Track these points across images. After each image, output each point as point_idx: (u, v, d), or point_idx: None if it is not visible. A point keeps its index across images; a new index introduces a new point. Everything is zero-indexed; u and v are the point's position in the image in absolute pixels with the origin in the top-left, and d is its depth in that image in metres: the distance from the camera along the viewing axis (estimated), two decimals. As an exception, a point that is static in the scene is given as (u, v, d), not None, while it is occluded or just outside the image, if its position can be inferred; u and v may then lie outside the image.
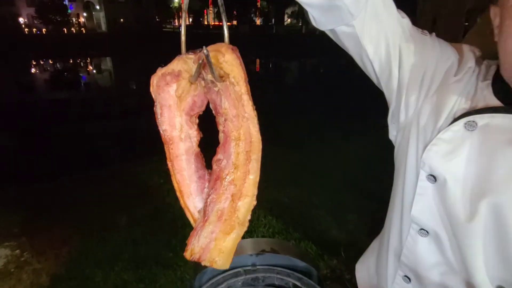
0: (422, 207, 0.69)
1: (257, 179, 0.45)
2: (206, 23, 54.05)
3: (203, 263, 0.53)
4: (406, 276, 0.78)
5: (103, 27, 43.17)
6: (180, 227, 3.16)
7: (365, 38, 0.67)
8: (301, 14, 47.92)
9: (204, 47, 0.45)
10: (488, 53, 0.73)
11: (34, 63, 26.33)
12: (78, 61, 27.84)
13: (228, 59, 0.42)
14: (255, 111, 0.46)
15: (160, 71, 0.48)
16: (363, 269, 1.00)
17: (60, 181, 4.91)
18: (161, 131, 0.49)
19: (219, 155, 0.47)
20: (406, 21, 0.69)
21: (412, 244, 0.73)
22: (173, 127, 0.48)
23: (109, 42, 33.48)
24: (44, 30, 37.64)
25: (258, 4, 48.70)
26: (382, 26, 0.66)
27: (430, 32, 0.72)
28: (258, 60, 28.67)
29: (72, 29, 40.14)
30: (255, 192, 0.44)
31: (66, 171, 5.47)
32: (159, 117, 0.47)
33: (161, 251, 2.80)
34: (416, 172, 0.70)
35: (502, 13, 0.55)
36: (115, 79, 20.80)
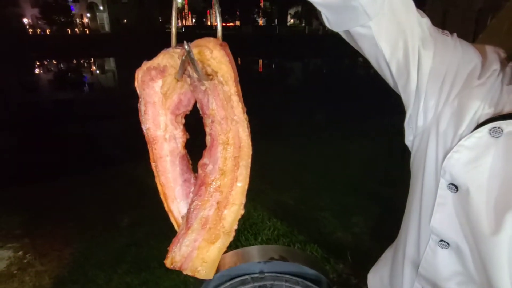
0: (442, 217, 0.65)
1: (246, 187, 0.42)
2: (209, 23, 54.10)
3: (184, 272, 0.50)
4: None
5: (107, 27, 43.31)
6: (183, 229, 3.13)
7: (381, 40, 0.62)
8: (304, 14, 47.89)
9: (185, 42, 0.41)
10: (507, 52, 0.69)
11: (38, 63, 26.44)
12: (81, 61, 27.94)
13: (216, 56, 0.39)
14: (245, 114, 0.42)
15: (145, 65, 0.45)
16: (376, 280, 0.96)
17: (62, 181, 4.90)
18: (144, 130, 0.45)
19: (205, 159, 0.44)
20: (425, 20, 0.64)
21: (432, 256, 0.70)
22: (157, 126, 0.44)
23: (112, 42, 33.58)
24: (48, 30, 37.81)
25: (261, 4, 48.68)
26: (400, 27, 0.62)
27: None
28: (261, 61, 28.65)
29: (75, 29, 40.28)
30: (243, 200, 0.41)
31: (68, 172, 5.46)
32: (142, 114, 0.44)
33: (164, 253, 2.75)
34: (436, 180, 0.66)
35: None
36: (118, 79, 20.84)
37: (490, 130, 0.57)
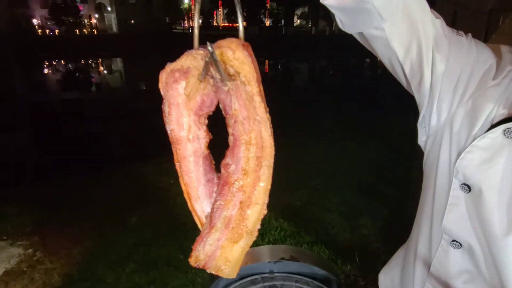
0: (455, 218, 0.65)
1: (269, 187, 0.42)
2: (215, 24, 54.24)
3: (208, 271, 0.50)
4: None
5: (114, 28, 43.68)
6: (191, 228, 3.14)
7: (395, 41, 0.62)
8: (310, 15, 47.79)
9: (208, 43, 0.42)
10: None
11: (47, 63, 26.75)
12: (89, 61, 28.21)
13: (238, 57, 0.39)
14: (268, 114, 0.43)
15: (169, 67, 0.45)
16: (387, 280, 0.95)
17: (71, 180, 4.95)
18: (168, 131, 0.46)
19: (227, 159, 0.44)
20: (439, 21, 0.64)
21: (443, 256, 0.70)
22: (181, 127, 0.45)
23: (120, 43, 33.83)
24: (57, 31, 38.23)
25: (268, 5, 48.68)
26: (414, 28, 0.62)
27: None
28: (267, 61, 28.65)
29: (84, 30, 40.68)
30: (266, 200, 0.41)
31: (77, 171, 5.51)
32: (166, 115, 0.44)
33: (172, 253, 2.78)
34: (449, 181, 0.66)
35: None
36: (125, 79, 21.01)
37: (505, 130, 0.57)
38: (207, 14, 51.17)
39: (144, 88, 17.36)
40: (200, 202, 0.47)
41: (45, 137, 8.39)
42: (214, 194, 0.47)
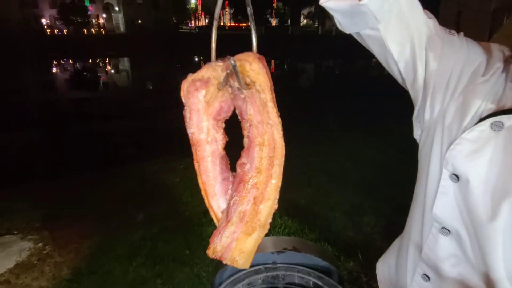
0: (444, 206, 0.69)
1: (279, 184, 0.46)
2: (222, 24, 54.36)
3: (224, 262, 0.55)
4: (425, 274, 0.78)
5: (122, 28, 44.01)
6: (196, 224, 3.20)
7: (390, 40, 0.66)
8: (317, 15, 47.64)
9: (230, 57, 0.46)
10: None
11: (55, 63, 27.07)
12: (97, 61, 28.48)
13: (255, 68, 0.43)
14: (279, 118, 0.47)
15: (191, 77, 0.50)
16: (384, 268, 0.99)
17: (79, 178, 5.04)
18: (189, 134, 0.50)
19: (243, 159, 0.48)
20: (432, 21, 0.68)
21: (434, 242, 0.74)
22: (201, 130, 0.49)
23: (127, 42, 34.08)
24: (65, 31, 38.65)
25: (274, 5, 48.67)
26: (408, 28, 0.66)
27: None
28: (273, 61, 28.67)
29: (92, 30, 41.06)
30: (277, 196, 0.45)
31: (86, 168, 5.61)
32: (187, 120, 0.49)
33: (178, 248, 2.84)
34: (440, 171, 0.69)
35: None
36: (132, 79, 21.18)
37: (492, 124, 0.61)
38: (213, 14, 51.26)
39: (151, 88, 17.51)
40: (216, 199, 0.51)
41: (53, 136, 8.52)
42: (229, 191, 0.51)
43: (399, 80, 0.76)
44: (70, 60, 28.08)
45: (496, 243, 0.62)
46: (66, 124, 9.51)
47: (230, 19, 54.43)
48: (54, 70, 24.61)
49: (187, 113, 0.48)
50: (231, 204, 0.48)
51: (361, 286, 2.24)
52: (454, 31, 0.70)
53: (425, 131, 0.75)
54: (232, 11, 51.14)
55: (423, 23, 0.67)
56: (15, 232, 3.25)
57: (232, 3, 48.33)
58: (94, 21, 42.49)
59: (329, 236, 2.86)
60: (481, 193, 0.62)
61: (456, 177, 0.66)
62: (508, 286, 0.63)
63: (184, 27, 52.91)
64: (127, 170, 5.31)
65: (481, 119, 0.63)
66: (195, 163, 0.49)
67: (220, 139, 0.49)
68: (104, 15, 43.87)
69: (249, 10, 0.49)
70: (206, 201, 0.49)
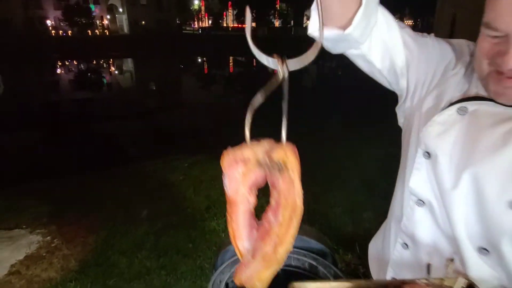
0: (418, 180, 0.79)
1: (296, 233, 0.56)
2: (225, 25, 54.57)
3: (246, 286, 0.65)
4: (405, 243, 0.88)
5: (126, 29, 44.31)
6: (199, 220, 3.28)
7: (372, 55, 0.78)
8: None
9: (265, 142, 0.56)
10: None
11: (60, 64, 27.31)
12: (101, 62, 28.70)
13: (289, 156, 0.54)
14: (301, 188, 0.57)
15: (232, 155, 0.60)
16: (373, 247, 1.09)
17: (84, 177, 5.13)
18: (227, 194, 0.60)
19: (270, 215, 0.58)
20: (406, 30, 0.80)
21: (411, 213, 0.83)
22: (237, 194, 0.60)
23: (131, 43, 34.32)
24: (69, 32, 38.96)
25: (277, 6, 48.81)
26: (386, 43, 0.78)
27: (450, 34, 0.82)
28: (276, 62, 28.68)
29: (96, 31, 41.37)
30: (293, 241, 0.56)
31: (91, 167, 5.70)
32: (227, 185, 0.59)
33: (181, 242, 2.92)
34: (416, 151, 0.80)
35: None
36: (136, 79, 21.34)
37: (458, 109, 0.72)
38: (216, 15, 51.54)
39: (154, 88, 17.65)
40: (242, 241, 0.61)
41: (58, 136, 8.65)
42: (254, 235, 0.61)
43: (386, 85, 0.88)
44: (74, 61, 28.31)
45: (458, 208, 0.72)
46: (71, 124, 9.65)
47: (233, 20, 54.60)
48: (58, 71, 24.82)
49: (226, 181, 0.59)
50: (256, 248, 0.58)
51: (358, 277, 2.31)
52: (426, 34, 0.82)
53: (406, 119, 0.87)
54: (235, 12, 51.30)
55: (400, 37, 0.78)
56: (24, 226, 3.34)
57: (235, 4, 48.50)
58: (98, 22, 42.80)
59: (329, 232, 2.93)
60: (447, 166, 0.72)
61: (428, 154, 0.76)
62: (468, 245, 0.72)
63: (188, 28, 53.18)
64: (131, 169, 5.39)
65: (450, 105, 0.73)
66: (228, 215, 0.59)
67: (252, 201, 0.59)
68: (108, 17, 44.19)
69: (284, 105, 0.58)
70: (233, 242, 0.59)
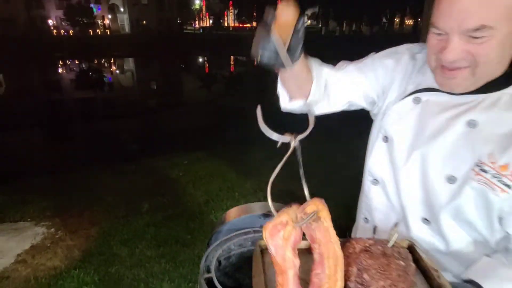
0: (376, 161, 0.93)
1: (343, 281, 0.63)
2: (226, 24, 54.66)
3: None
4: (365, 218, 1.02)
5: (127, 28, 44.44)
6: (198, 213, 3.39)
7: (336, 103, 0.99)
8: (321, 16, 47.77)
9: (293, 205, 0.66)
10: None
11: (62, 63, 27.46)
12: (102, 61, 28.82)
13: (321, 209, 0.64)
14: (337, 236, 0.66)
15: (271, 224, 0.67)
16: (353, 230, 1.20)
17: (88, 173, 5.24)
18: (276, 262, 0.67)
19: (317, 270, 0.66)
20: (351, 67, 0.98)
21: (368, 191, 0.97)
22: (284, 260, 0.66)
23: (132, 43, 34.45)
24: (71, 31, 39.11)
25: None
26: (342, 88, 0.97)
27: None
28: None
29: (97, 30, 41.51)
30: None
31: (93, 164, 5.82)
32: (273, 253, 0.66)
33: (180, 233, 3.04)
34: (377, 136, 0.94)
35: None
36: (137, 79, 21.45)
37: (413, 99, 0.85)
38: (217, 15, 51.62)
39: (155, 87, 17.77)
40: None
41: (62, 133, 8.77)
42: None
43: (359, 108, 1.05)
44: (76, 60, 28.44)
45: (407, 183, 0.84)
46: (73, 122, 9.78)
47: (234, 20, 54.71)
48: (60, 70, 24.96)
49: (272, 250, 0.65)
50: None
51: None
52: (373, 52, 0.99)
53: (374, 114, 1.02)
54: (236, 11, 51.39)
55: (348, 80, 0.97)
56: (29, 219, 3.46)
57: (236, 4, 48.58)
58: (99, 22, 42.95)
59: None
60: (400, 148, 0.85)
61: (386, 138, 0.88)
62: (413, 216, 0.85)
63: (189, 27, 53.29)
64: (132, 166, 5.50)
65: (406, 96, 0.86)
66: (279, 285, 0.65)
67: (297, 263, 0.66)
68: (109, 16, 44.33)
69: (301, 171, 0.69)
70: None
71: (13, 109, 11.22)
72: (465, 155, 0.75)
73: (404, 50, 0.93)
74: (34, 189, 4.43)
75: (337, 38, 38.92)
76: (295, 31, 0.73)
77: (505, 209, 0.71)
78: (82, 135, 8.55)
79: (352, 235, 1.20)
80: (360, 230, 1.05)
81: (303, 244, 0.76)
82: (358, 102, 0.99)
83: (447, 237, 0.82)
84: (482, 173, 0.72)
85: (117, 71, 25.02)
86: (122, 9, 44.41)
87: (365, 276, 0.65)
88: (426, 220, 0.84)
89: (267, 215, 1.28)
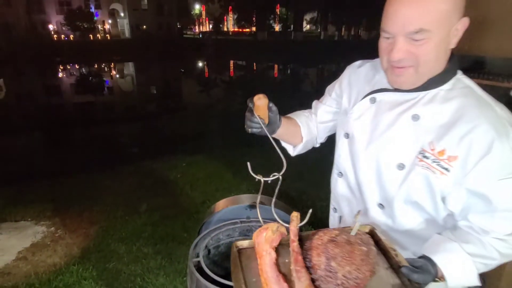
0: (339, 155, 1.05)
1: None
2: (225, 29, 55.01)
3: None
4: (334, 207, 1.14)
5: (127, 33, 44.71)
6: (194, 212, 3.48)
7: (323, 139, 1.26)
8: (319, 20, 48.10)
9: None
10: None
11: (62, 67, 27.61)
12: (102, 66, 28.98)
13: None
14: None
15: (259, 229, 0.85)
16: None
17: (88, 175, 5.32)
18: (258, 251, 0.80)
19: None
20: (319, 105, 1.19)
21: (335, 183, 1.09)
22: (262, 249, 0.79)
23: (132, 47, 34.67)
24: (71, 36, 39.35)
25: (277, 10, 49.23)
26: (321, 131, 1.20)
27: None
28: (276, 66, 29.03)
29: (97, 35, 41.76)
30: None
31: (93, 167, 5.90)
32: (256, 246, 0.82)
33: (177, 231, 3.13)
34: (340, 134, 1.06)
35: None
36: (137, 83, 21.58)
37: (370, 99, 0.96)
38: (217, 19, 51.96)
39: (155, 92, 17.90)
40: (272, 285, 0.78)
41: (62, 137, 8.87)
42: (281, 280, 0.77)
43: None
44: (76, 65, 28.59)
45: (365, 173, 0.96)
46: (74, 126, 9.87)
47: (233, 25, 55.05)
48: (60, 74, 25.10)
49: (256, 245, 0.82)
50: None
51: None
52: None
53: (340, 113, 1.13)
54: (235, 16, 51.74)
55: (321, 116, 1.19)
56: (29, 219, 3.55)
57: (236, 9, 48.92)
58: (100, 27, 43.20)
59: (314, 221, 3.12)
60: (359, 143, 0.96)
61: (347, 135, 0.98)
62: (371, 202, 0.96)
63: (188, 32, 53.61)
64: (131, 168, 5.59)
65: (364, 97, 0.98)
66: (260, 269, 0.77)
67: (273, 254, 0.78)
68: (109, 21, 44.59)
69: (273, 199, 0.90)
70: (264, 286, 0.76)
71: (15, 113, 11.33)
72: (411, 145, 0.86)
73: (345, 71, 1.12)
74: (35, 191, 4.51)
75: (336, 43, 39.20)
76: (270, 110, 0.97)
77: (446, 189, 0.82)
78: (83, 139, 8.66)
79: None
80: (331, 219, 1.16)
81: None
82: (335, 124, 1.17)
83: (400, 219, 0.93)
84: (424, 159, 0.83)
85: (117, 76, 25.15)
86: (122, 14, 44.70)
87: (333, 263, 0.73)
88: (381, 205, 0.95)
89: (253, 206, 1.38)
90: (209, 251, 1.38)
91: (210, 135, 8.54)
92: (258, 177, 0.87)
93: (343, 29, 46.88)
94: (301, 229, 0.87)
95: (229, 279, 0.87)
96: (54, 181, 5.15)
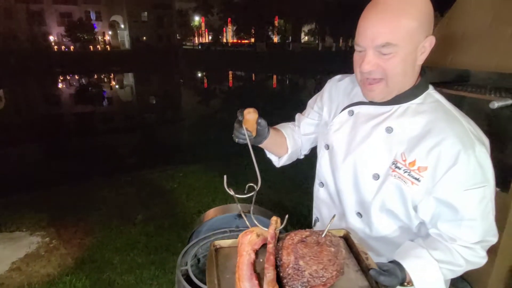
0: (321, 166, 1.08)
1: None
2: (225, 40, 55.58)
3: None
4: (317, 217, 1.17)
5: (127, 44, 45.16)
6: (189, 222, 3.49)
7: (307, 149, 1.29)
8: (317, 32, 48.69)
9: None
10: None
11: (62, 78, 27.78)
12: (102, 76, 29.17)
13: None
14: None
15: (244, 231, 0.89)
16: None
17: (84, 185, 5.33)
18: (239, 251, 0.84)
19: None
20: (303, 119, 1.23)
21: (317, 192, 1.13)
22: (243, 250, 0.83)
23: (132, 58, 34.96)
24: (72, 47, 39.71)
25: (276, 22, 49.85)
26: (299, 141, 1.23)
27: None
28: (275, 77, 29.27)
29: (98, 46, 42.16)
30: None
31: (90, 177, 5.90)
32: (239, 247, 0.85)
33: (171, 242, 3.13)
34: (321, 145, 1.09)
35: None
36: (136, 94, 21.70)
37: (348, 111, 1.00)
38: (216, 31, 52.55)
39: (154, 102, 18.00)
40: (244, 283, 0.81)
41: (61, 147, 8.89)
42: (253, 279, 0.81)
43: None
44: (76, 76, 28.78)
45: (344, 183, 0.99)
46: (73, 137, 9.91)
47: (232, 36, 55.64)
48: (60, 85, 25.24)
49: (239, 245, 0.85)
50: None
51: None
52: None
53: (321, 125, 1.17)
54: (234, 28, 52.34)
55: (304, 128, 1.23)
56: (24, 229, 3.55)
57: (235, 21, 49.54)
58: (100, 38, 43.64)
59: (296, 222, 3.17)
60: (338, 153, 1.00)
61: (327, 146, 1.02)
62: (349, 211, 0.99)
63: (188, 43, 54.14)
64: (128, 178, 5.60)
65: (343, 110, 1.02)
66: (237, 266, 0.80)
67: (252, 255, 0.82)
68: (110, 32, 45.08)
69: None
70: (237, 284, 0.79)
71: (13, 124, 11.37)
72: (385, 155, 0.90)
73: (326, 85, 1.16)
74: (30, 202, 4.51)
75: (334, 54, 39.60)
76: (258, 125, 1.02)
77: (417, 198, 0.86)
78: (80, 149, 8.67)
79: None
80: (315, 226, 1.18)
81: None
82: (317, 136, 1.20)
83: (377, 226, 0.96)
84: (397, 169, 0.87)
85: (117, 86, 25.29)
86: (122, 26, 45.23)
87: (301, 262, 0.76)
88: (359, 214, 0.98)
89: (241, 215, 1.41)
90: (198, 260, 1.40)
91: (207, 145, 8.57)
92: (231, 192, 0.91)
93: (340, 41, 47.45)
94: (281, 232, 0.89)
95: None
96: (50, 191, 5.15)
